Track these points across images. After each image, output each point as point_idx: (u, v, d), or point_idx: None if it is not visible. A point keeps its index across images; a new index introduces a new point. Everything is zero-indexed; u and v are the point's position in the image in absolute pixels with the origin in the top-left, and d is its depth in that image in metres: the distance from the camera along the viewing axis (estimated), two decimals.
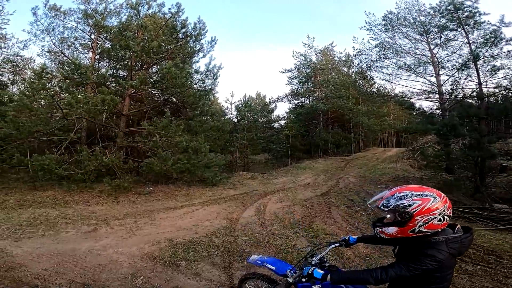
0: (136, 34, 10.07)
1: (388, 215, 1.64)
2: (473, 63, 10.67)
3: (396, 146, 29.43)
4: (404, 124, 20.87)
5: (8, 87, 13.10)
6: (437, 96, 13.26)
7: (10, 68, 13.10)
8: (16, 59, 13.37)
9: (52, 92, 8.40)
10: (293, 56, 24.69)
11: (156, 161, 8.78)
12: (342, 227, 5.84)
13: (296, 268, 2.05)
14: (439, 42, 12.68)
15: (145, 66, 10.88)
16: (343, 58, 25.04)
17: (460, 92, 12.41)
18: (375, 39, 14.90)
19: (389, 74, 15.07)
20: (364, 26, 14.86)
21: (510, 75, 10.60)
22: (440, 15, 11.86)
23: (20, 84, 13.19)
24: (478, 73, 10.61)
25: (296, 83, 25.59)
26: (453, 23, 11.37)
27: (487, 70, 10.85)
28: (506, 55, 10.39)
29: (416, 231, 1.53)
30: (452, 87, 12.75)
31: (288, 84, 26.05)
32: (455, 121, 9.72)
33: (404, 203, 1.55)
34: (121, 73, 12.15)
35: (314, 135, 22.83)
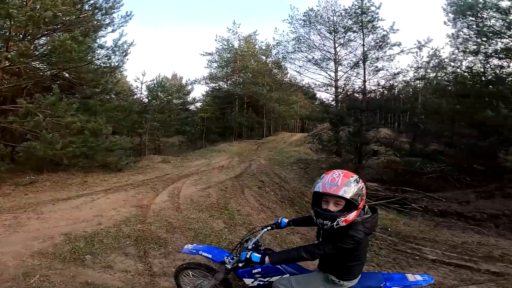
0: (25, 3, 7.74)
1: (339, 201, 1.66)
2: (363, 63, 12.87)
3: (301, 131, 33.18)
4: (307, 112, 23.68)
5: None
6: (333, 89, 15.61)
7: None
8: None
9: None
10: (215, 40, 24.39)
11: (39, 144, 7.20)
12: (255, 207, 6.30)
13: (233, 255, 2.06)
14: (342, 42, 14.70)
15: (29, 37, 8.52)
16: (263, 47, 25.96)
17: (351, 87, 14.99)
18: (294, 32, 16.09)
19: (300, 66, 16.73)
20: (287, 19, 15.86)
21: (387, 76, 13.37)
22: (349, 17, 13.57)
23: None
24: (364, 72, 12.89)
25: (216, 66, 25.36)
26: (357, 26, 13.15)
27: (371, 70, 13.28)
28: (388, 58, 12.96)
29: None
30: (345, 82, 15.25)
31: (208, 67, 25.53)
32: (344, 112, 11.76)
33: (360, 186, 1.67)
34: None
35: (230, 119, 23.34)
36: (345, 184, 1.62)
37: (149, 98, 18.95)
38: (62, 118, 7.69)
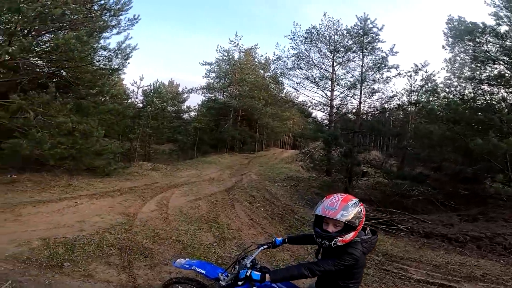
0: None
1: (337, 222, 1.73)
2: (360, 84, 12.94)
3: (292, 148, 33.39)
4: (300, 130, 23.83)
5: None
6: (328, 108, 15.63)
7: None
8: None
9: None
10: (216, 50, 24.44)
11: (27, 143, 6.97)
12: (245, 222, 6.19)
13: (227, 272, 2.02)
14: (341, 61, 14.72)
15: (34, 33, 8.45)
16: (263, 61, 26.15)
17: (345, 107, 15.04)
18: (294, 48, 15.99)
19: (297, 83, 16.56)
20: (289, 35, 15.80)
21: (382, 98, 13.44)
22: (350, 37, 13.65)
23: None
24: (361, 93, 12.95)
25: (214, 77, 25.41)
26: (357, 46, 13.25)
27: (367, 92, 13.35)
28: (384, 80, 13.06)
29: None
30: (340, 102, 15.29)
31: (206, 77, 25.54)
32: (338, 132, 11.91)
33: (358, 210, 1.75)
34: None
35: (223, 131, 23.26)
36: (343, 208, 1.72)
37: (144, 103, 18.74)
38: (54, 118, 7.49)
